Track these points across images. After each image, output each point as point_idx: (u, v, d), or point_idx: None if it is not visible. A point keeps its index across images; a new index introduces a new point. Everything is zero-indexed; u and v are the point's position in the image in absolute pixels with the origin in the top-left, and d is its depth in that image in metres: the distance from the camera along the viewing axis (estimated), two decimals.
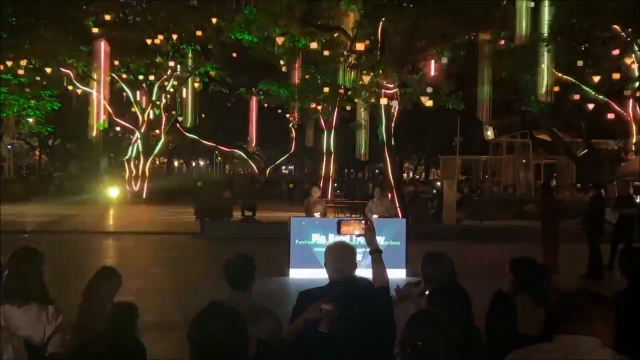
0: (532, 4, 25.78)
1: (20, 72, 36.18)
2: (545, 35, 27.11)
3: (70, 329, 4.23)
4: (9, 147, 48.04)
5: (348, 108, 31.93)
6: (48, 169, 53.58)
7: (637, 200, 25.08)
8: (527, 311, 4.31)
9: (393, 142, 26.50)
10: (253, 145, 53.01)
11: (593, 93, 31.85)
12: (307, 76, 34.03)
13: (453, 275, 4.91)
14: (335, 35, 26.93)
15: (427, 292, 4.64)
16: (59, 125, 46.95)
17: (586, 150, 38.43)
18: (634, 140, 31.24)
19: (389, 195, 23.83)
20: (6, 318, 4.05)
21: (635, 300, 4.74)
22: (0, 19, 32.68)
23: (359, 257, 4.81)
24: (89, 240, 21.44)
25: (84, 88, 39.76)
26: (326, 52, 28.85)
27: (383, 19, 25.29)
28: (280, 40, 26.94)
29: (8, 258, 4.12)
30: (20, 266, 4.24)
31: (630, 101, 30.48)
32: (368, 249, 4.98)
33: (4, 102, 39.11)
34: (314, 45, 27.38)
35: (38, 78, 38.00)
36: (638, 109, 30.00)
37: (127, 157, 42.74)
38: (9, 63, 35.41)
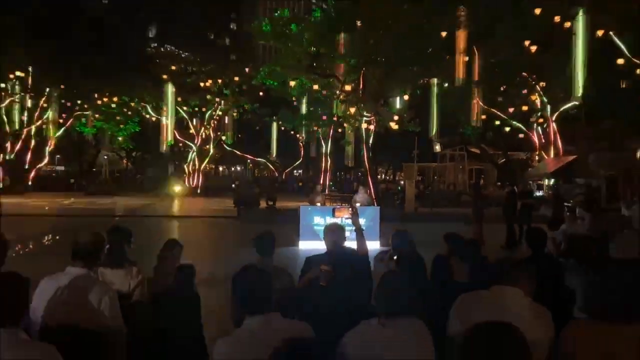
0: (467, 59, 25.83)
1: (113, 105, 36.46)
2: (476, 80, 27.18)
3: (148, 283, 4.23)
4: (105, 157, 48.02)
5: (339, 130, 31.87)
6: (132, 173, 53.50)
7: (538, 194, 25.07)
8: (457, 267, 4.45)
9: (371, 154, 26.53)
10: (273, 155, 53.06)
11: (509, 120, 31.91)
12: (311, 108, 34.01)
13: (413, 245, 4.95)
14: (331, 80, 26.92)
15: (395, 257, 4.67)
16: (140, 142, 47.14)
17: (504, 160, 38.44)
18: (536, 153, 31.27)
19: (368, 190, 23.83)
20: (103, 276, 4.05)
21: (537, 264, 4.75)
22: (101, 67, 33.00)
23: (347, 233, 4.82)
24: (160, 221, 21.50)
25: (156, 116, 39.88)
26: (324, 92, 28.87)
27: (364, 69, 25.33)
28: (292, 83, 26.96)
29: (106, 233, 4.11)
30: (115, 239, 4.25)
31: (535, 125, 30.52)
32: (353, 228, 5.00)
33: (100, 127, 39.34)
34: (315, 87, 27.40)
35: (125, 109, 38.20)
36: (540, 131, 30.00)
37: (186, 163, 42.79)
38: (105, 99, 35.59)
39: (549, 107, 28.26)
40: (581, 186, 21.76)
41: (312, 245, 12.14)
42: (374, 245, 12.48)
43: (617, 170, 29.96)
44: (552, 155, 28.76)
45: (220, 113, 42.38)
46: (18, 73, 31.68)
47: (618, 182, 27.90)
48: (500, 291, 3.10)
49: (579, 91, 24.40)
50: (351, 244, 4.83)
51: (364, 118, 25.64)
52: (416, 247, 4.97)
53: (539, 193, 25.09)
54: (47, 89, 34.27)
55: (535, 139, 30.89)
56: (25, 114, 36.14)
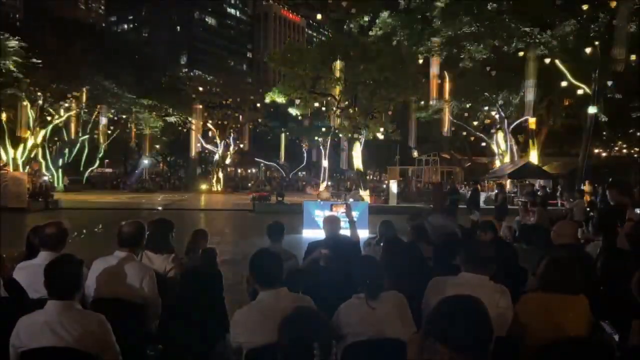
0: (439, 81, 25.90)
1: (152, 119, 36.72)
2: (447, 98, 27.20)
3: (180, 265, 4.23)
4: (145, 161, 48.02)
5: (336, 139, 31.88)
6: (167, 174, 53.46)
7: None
8: (424, 249, 4.46)
9: (361, 159, 26.56)
10: (282, 160, 53.07)
11: (473, 131, 31.92)
12: (313, 121, 34.07)
13: (395, 232, 4.94)
14: (329, 98, 26.93)
15: (382, 244, 4.67)
16: (173, 149, 47.17)
17: (469, 163, 38.43)
18: (496, 158, 31.30)
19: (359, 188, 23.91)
20: (147, 258, 4.06)
21: (495, 249, 4.80)
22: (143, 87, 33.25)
23: (342, 224, 4.82)
24: (191, 213, 21.47)
25: (187, 128, 39.97)
26: (323, 108, 28.90)
27: (355, 90, 25.42)
28: (297, 101, 26.96)
29: (148, 223, 4.11)
30: (157, 228, 4.25)
31: (494, 135, 30.53)
32: (348, 220, 5.01)
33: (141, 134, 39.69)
34: (316, 104, 27.44)
35: (161, 123, 38.39)
36: (498, 139, 29.96)
37: (211, 167, 42.74)
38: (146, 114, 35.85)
39: (506, 120, 28.23)
40: (531, 185, 21.71)
41: (313, 234, 12.17)
42: (364, 234, 12.48)
43: (562, 172, 30.01)
44: (508, 159, 28.72)
45: (238, 125, 42.39)
46: (75, 93, 31.75)
47: (561, 181, 27.93)
48: (470, 277, 2.93)
49: (531, 107, 24.39)
50: (346, 232, 4.84)
51: (356, 129, 25.67)
52: (397, 233, 4.96)
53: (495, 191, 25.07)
54: (98, 106, 34.30)
55: (495, 147, 30.88)
56: (80, 126, 36.23)
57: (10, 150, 28.45)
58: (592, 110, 22.37)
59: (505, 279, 3.11)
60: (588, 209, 13.13)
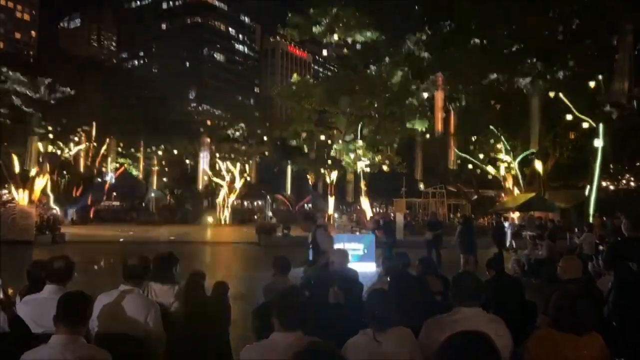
0: (444, 115, 26.12)
1: (159, 152, 37.06)
2: (452, 131, 27.38)
3: (183, 297, 4.19)
4: (153, 194, 48.21)
5: (341, 171, 31.95)
6: (174, 207, 53.58)
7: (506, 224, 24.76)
8: (432, 282, 4.45)
9: (367, 190, 26.60)
10: (288, 192, 53.17)
11: (479, 164, 31.93)
12: (318, 154, 34.24)
13: (401, 266, 4.89)
14: (334, 131, 27.17)
15: (389, 277, 4.63)
16: (181, 181, 47.42)
17: (476, 196, 38.28)
18: (502, 191, 31.19)
19: (364, 220, 23.80)
20: (152, 289, 4.05)
21: (500, 283, 4.78)
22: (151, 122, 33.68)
23: (350, 257, 4.81)
24: (197, 246, 21.37)
25: (194, 161, 40.31)
26: (329, 141, 29.12)
27: (361, 123, 25.62)
28: (303, 134, 27.23)
29: (159, 257, 4.14)
30: (161, 261, 4.25)
31: (500, 169, 30.52)
32: (355, 253, 4.98)
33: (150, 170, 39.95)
34: (322, 137, 27.67)
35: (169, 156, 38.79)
36: (504, 173, 29.92)
37: (218, 199, 42.81)
38: (154, 147, 36.25)
39: (511, 153, 28.25)
40: (540, 218, 21.54)
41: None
42: (371, 267, 12.35)
43: (569, 205, 29.77)
44: (515, 192, 28.58)
45: (245, 158, 42.66)
46: (85, 127, 32.26)
47: (570, 214, 27.69)
48: (466, 311, 2.89)
49: (536, 140, 24.46)
50: (354, 265, 4.81)
51: (361, 162, 25.77)
52: (408, 267, 4.91)
53: (506, 223, 24.73)
54: (107, 140, 34.82)
55: (501, 179, 30.79)
56: (89, 159, 36.66)
57: (19, 184, 28.76)
58: (597, 143, 22.39)
59: (511, 314, 3.06)
60: (597, 243, 12.97)
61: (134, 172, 41.71)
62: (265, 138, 38.92)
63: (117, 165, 37.82)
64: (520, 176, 28.64)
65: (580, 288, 3.82)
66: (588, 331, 2.81)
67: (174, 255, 4.42)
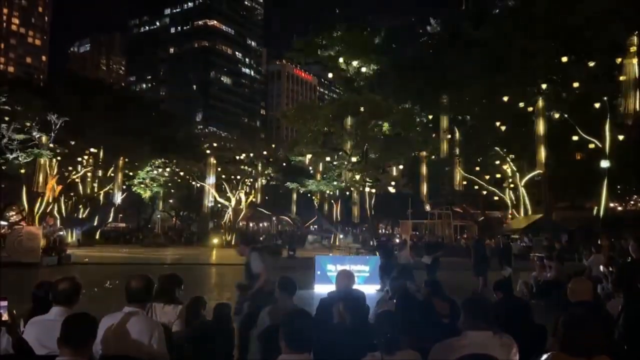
0: (449, 136, 26.17)
1: (166, 174, 37.21)
2: (457, 153, 27.35)
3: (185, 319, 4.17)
4: (159, 215, 48.28)
5: (347, 193, 31.95)
6: (179, 229, 53.57)
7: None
8: (439, 305, 4.40)
9: (373, 212, 26.47)
10: (294, 213, 53.02)
11: (485, 185, 31.80)
12: (324, 175, 34.29)
13: (407, 288, 4.85)
14: (340, 153, 27.27)
15: (394, 300, 4.59)
16: (186, 203, 47.41)
17: (482, 217, 38.04)
18: (509, 212, 30.98)
19: (370, 242, 23.70)
20: (156, 309, 4.03)
21: (507, 306, 4.72)
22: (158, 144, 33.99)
23: (356, 279, 4.77)
24: (202, 268, 21.28)
25: (200, 183, 40.28)
26: (335, 162, 29.17)
27: (366, 145, 25.69)
28: (308, 156, 27.34)
29: (164, 277, 4.15)
30: (170, 284, 4.25)
31: (506, 190, 30.39)
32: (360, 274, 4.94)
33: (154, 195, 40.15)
34: (328, 159, 27.75)
35: (175, 177, 38.85)
36: (511, 193, 29.81)
37: (223, 221, 42.78)
38: (160, 170, 36.37)
39: (517, 174, 28.18)
40: (547, 239, 21.33)
41: (324, 289, 11.93)
42: (375, 286, 12.25)
43: (577, 226, 29.50)
44: (522, 213, 28.41)
45: (251, 180, 42.69)
46: (92, 149, 32.49)
47: (577, 235, 27.41)
48: (474, 334, 2.89)
49: (542, 161, 24.41)
50: (359, 287, 4.77)
51: (367, 183, 25.77)
52: (410, 289, 4.87)
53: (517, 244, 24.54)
54: (114, 162, 35.04)
55: (508, 200, 30.65)
56: (96, 181, 36.85)
57: (26, 206, 28.93)
58: (604, 164, 22.30)
59: (519, 337, 3.02)
60: (606, 264, 12.79)
61: (140, 194, 41.75)
62: (270, 159, 39.04)
63: (124, 187, 37.90)
64: (526, 197, 28.50)
65: (589, 310, 3.76)
66: (598, 354, 2.76)
67: (177, 276, 4.42)
